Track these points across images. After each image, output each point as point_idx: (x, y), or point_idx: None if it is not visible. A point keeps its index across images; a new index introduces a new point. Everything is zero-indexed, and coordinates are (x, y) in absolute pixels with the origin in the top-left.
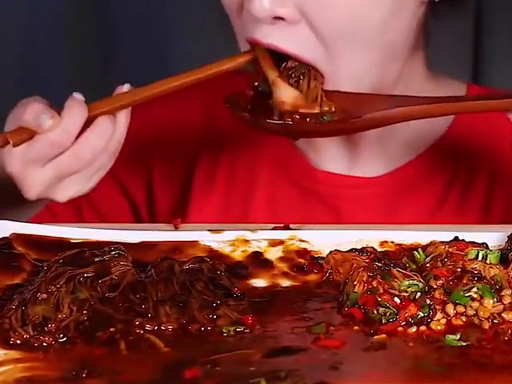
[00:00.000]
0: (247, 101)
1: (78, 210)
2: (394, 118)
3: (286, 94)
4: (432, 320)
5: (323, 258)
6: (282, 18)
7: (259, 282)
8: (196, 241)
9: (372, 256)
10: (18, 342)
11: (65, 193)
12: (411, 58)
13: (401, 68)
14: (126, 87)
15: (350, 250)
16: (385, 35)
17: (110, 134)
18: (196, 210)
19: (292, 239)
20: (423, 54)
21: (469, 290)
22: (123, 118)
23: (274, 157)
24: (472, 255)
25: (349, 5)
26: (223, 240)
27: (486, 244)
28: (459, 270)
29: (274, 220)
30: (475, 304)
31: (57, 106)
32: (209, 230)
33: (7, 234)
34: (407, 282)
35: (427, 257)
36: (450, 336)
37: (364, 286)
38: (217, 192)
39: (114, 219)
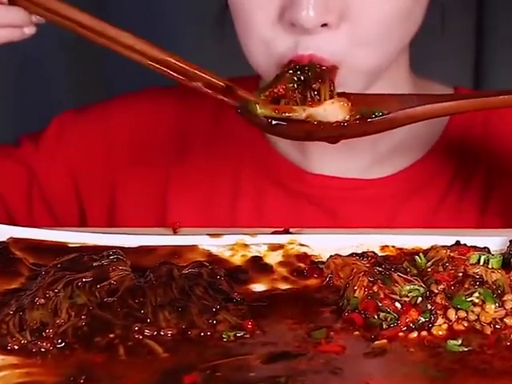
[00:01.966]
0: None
1: (30, 201)
2: (416, 117)
3: (334, 115)
4: (433, 325)
5: (323, 263)
6: (325, 25)
7: (259, 287)
8: (195, 245)
9: (373, 260)
10: (16, 347)
11: None
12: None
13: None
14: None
15: (351, 255)
16: (406, 24)
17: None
18: (175, 217)
19: (292, 243)
20: (407, 56)
21: (470, 295)
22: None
23: (256, 160)
24: (474, 260)
25: (394, 2)
26: (222, 244)
27: (488, 248)
28: (461, 274)
29: (261, 224)
30: (477, 309)
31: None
32: (208, 235)
33: (4, 239)
34: (408, 287)
35: (428, 261)
36: (451, 341)
37: (364, 291)
38: (197, 198)
39: (64, 220)
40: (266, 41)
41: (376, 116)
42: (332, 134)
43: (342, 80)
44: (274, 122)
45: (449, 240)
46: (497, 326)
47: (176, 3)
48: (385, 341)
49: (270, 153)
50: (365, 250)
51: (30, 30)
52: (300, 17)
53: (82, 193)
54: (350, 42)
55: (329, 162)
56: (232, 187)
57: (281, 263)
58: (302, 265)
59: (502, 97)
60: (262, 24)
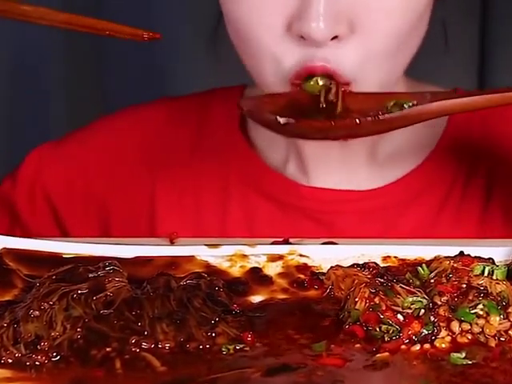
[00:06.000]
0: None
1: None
2: (430, 114)
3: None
4: (436, 338)
5: (324, 274)
6: (335, 37)
7: (258, 299)
8: (192, 256)
9: (374, 271)
10: (10, 360)
11: None
12: None
13: None
14: None
15: (352, 266)
16: (413, 38)
17: None
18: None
19: (292, 254)
20: None
21: (474, 307)
22: None
23: (243, 175)
24: (478, 271)
25: (403, 13)
26: (221, 255)
27: (493, 259)
28: (464, 286)
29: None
30: (481, 321)
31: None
32: (206, 245)
33: None
34: (410, 299)
35: (431, 272)
36: (455, 354)
37: (366, 303)
38: (186, 214)
39: None
40: (274, 57)
41: (404, 107)
42: (345, 131)
43: None
44: (282, 121)
45: (452, 250)
46: (501, 339)
47: (175, 9)
48: (387, 353)
49: (258, 167)
50: (366, 261)
51: None
52: (310, 29)
53: (66, 225)
54: (360, 55)
55: (324, 173)
56: (221, 203)
57: (280, 274)
58: (302, 276)
59: None
60: (268, 39)
